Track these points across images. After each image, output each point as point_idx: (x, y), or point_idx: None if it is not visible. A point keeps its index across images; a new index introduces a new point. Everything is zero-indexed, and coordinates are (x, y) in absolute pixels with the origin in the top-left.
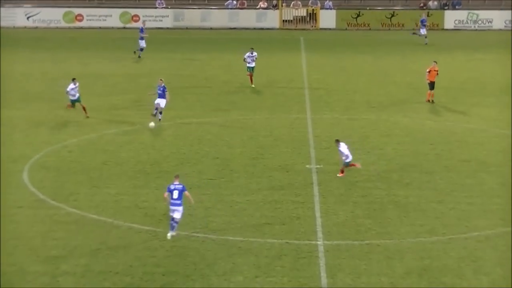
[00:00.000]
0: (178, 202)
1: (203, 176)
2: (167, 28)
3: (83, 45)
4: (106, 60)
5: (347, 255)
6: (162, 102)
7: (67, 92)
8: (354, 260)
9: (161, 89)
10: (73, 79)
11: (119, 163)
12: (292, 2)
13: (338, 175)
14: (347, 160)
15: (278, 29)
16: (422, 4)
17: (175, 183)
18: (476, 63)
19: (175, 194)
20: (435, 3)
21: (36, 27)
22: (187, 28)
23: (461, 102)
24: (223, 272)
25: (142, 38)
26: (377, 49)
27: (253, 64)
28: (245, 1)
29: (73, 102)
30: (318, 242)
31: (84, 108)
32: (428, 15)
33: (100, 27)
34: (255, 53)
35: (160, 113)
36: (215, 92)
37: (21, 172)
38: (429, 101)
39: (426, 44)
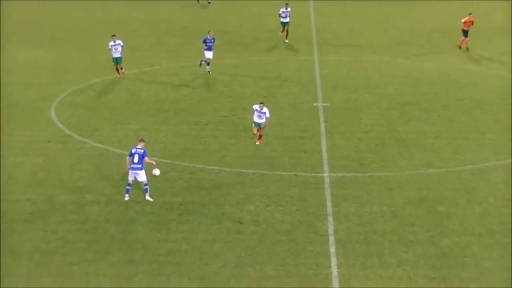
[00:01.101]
0: (139, 166)
1: (217, 114)
2: None
3: None
4: (128, 6)
5: (351, 186)
6: (211, 54)
7: (109, 49)
8: (357, 191)
9: (212, 41)
10: (113, 36)
11: (140, 101)
12: None
13: (257, 142)
14: (263, 122)
15: None
16: None
17: (137, 147)
18: (473, 8)
19: (136, 158)
20: None
21: None
22: None
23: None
24: (236, 201)
25: None
26: None
27: (287, 19)
28: None
29: (115, 61)
30: (324, 174)
31: (121, 68)
32: None
33: None
34: (289, 8)
35: (208, 64)
36: (229, 35)
37: (49, 110)
38: (460, 47)
39: None
